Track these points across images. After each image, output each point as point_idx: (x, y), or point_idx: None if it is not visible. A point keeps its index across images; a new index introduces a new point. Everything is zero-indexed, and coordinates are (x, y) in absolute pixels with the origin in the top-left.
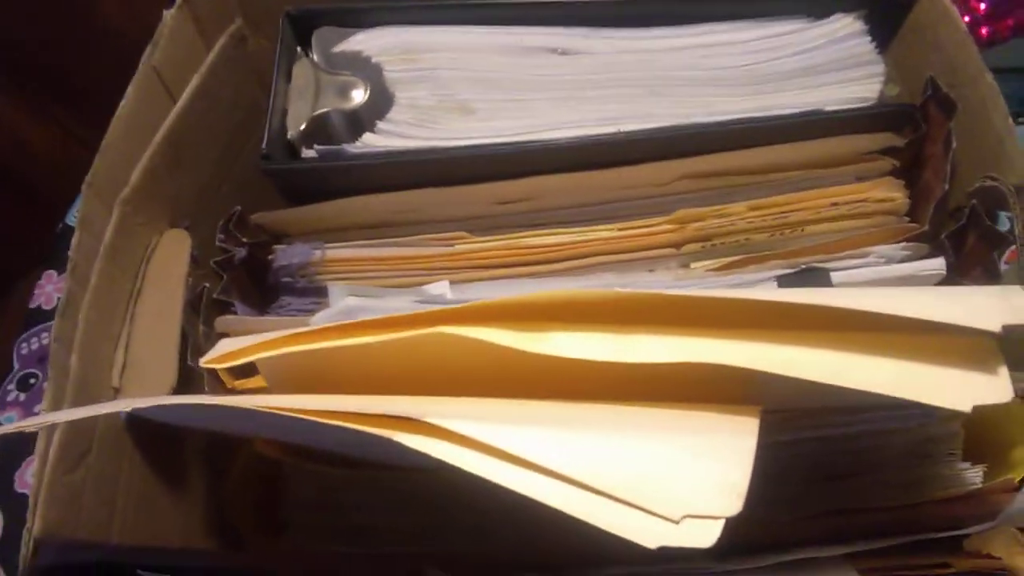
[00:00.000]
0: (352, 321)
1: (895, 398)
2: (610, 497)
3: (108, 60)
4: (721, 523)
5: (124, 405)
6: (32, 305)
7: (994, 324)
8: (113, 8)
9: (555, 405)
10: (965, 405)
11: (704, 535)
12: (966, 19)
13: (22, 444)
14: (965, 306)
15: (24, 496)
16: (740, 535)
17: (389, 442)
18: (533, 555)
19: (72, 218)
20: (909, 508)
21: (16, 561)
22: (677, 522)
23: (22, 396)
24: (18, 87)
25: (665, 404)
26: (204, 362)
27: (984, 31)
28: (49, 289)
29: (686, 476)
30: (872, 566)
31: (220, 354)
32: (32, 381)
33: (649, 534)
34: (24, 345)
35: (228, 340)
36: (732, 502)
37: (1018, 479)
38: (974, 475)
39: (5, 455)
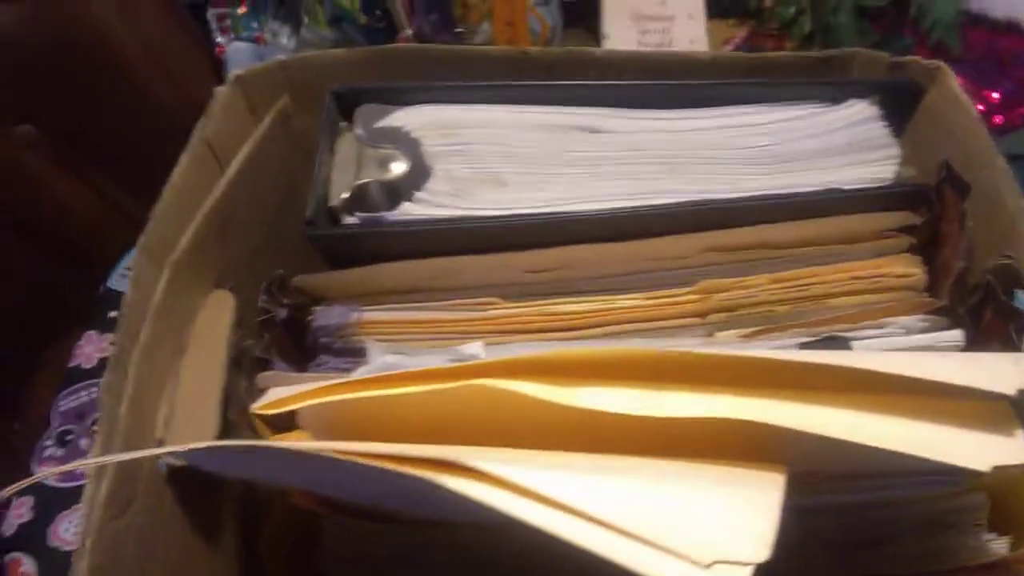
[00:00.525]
0: (395, 372)
1: (919, 463)
2: (642, 540)
3: (147, 129)
4: (750, 570)
5: (181, 448)
6: (72, 364)
7: (1010, 388)
8: (156, 82)
9: (589, 456)
10: (984, 465)
11: None
12: (980, 108)
13: (57, 499)
14: (983, 370)
15: (56, 549)
16: None
17: (431, 485)
18: None
19: (114, 282)
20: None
21: None
22: (708, 566)
23: (59, 452)
24: (59, 153)
25: (694, 460)
26: (257, 408)
27: (998, 119)
28: (88, 349)
29: (716, 522)
30: None
31: (271, 400)
32: (69, 437)
33: None
34: (63, 402)
35: (278, 388)
36: (761, 549)
37: None
38: (999, 546)
39: (42, 508)
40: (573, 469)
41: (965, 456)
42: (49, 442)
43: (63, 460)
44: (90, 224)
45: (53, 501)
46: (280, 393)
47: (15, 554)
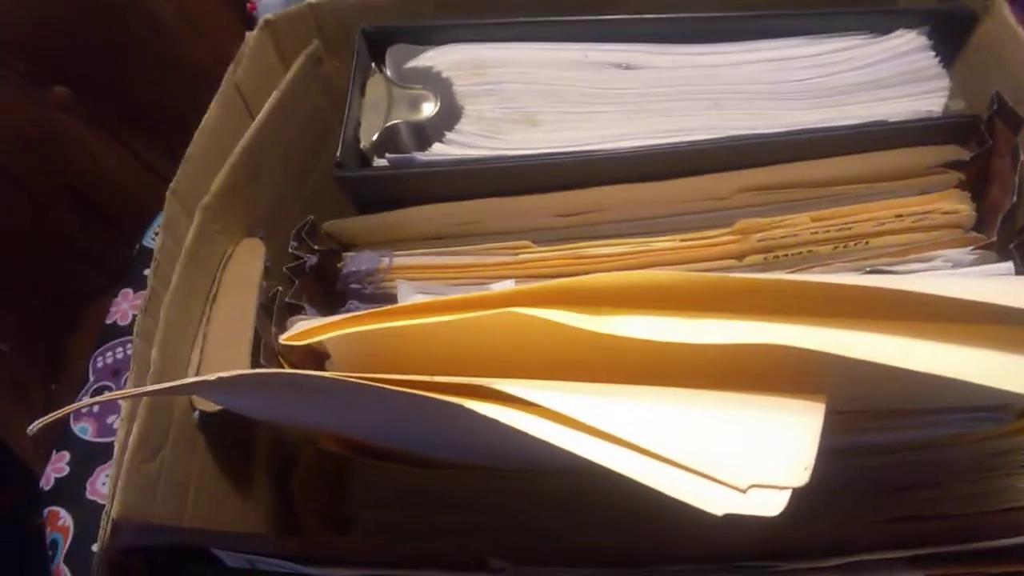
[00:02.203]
0: (422, 301)
1: (967, 394)
2: (677, 465)
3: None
4: (788, 493)
5: (210, 376)
6: (108, 321)
7: None
8: (187, 39)
9: (623, 386)
10: None
11: (770, 504)
12: None
13: (96, 454)
14: None
15: (94, 503)
16: (805, 538)
17: (459, 410)
18: (598, 550)
19: (149, 240)
20: (978, 516)
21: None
22: (744, 491)
23: (96, 408)
24: (94, 115)
25: (732, 389)
26: (283, 339)
27: None
28: (125, 307)
29: (753, 447)
30: (942, 572)
31: (297, 331)
32: (106, 393)
33: (715, 502)
34: (100, 359)
35: (304, 320)
36: (799, 473)
37: None
38: None
39: (79, 462)
40: (605, 395)
41: (1008, 380)
42: (86, 398)
43: (100, 416)
44: (125, 185)
45: (90, 456)
46: (306, 325)
47: (53, 507)
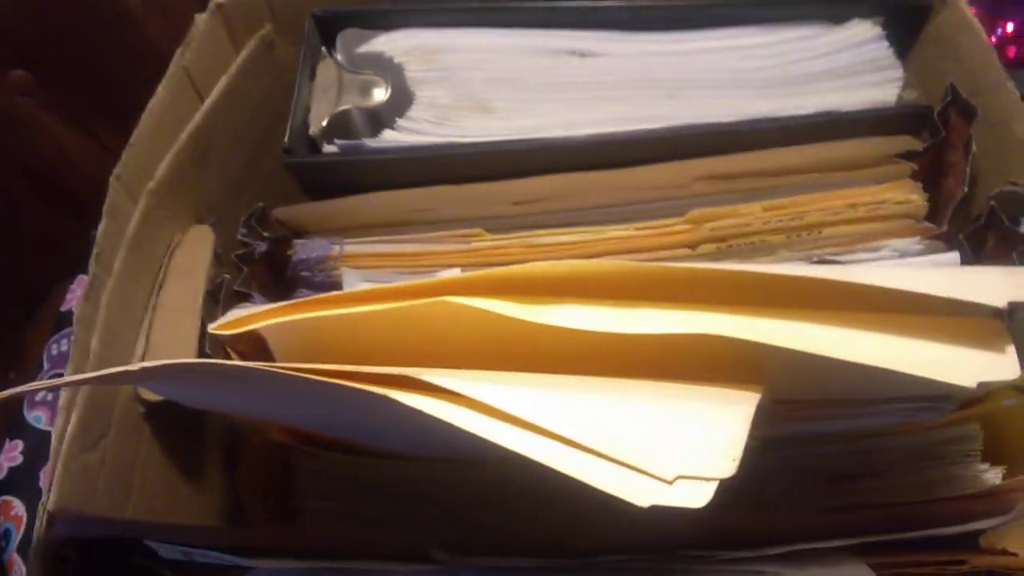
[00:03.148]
0: (357, 290)
1: (905, 383)
2: (602, 456)
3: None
4: (714, 485)
5: (140, 366)
6: (64, 308)
7: (999, 300)
8: (151, 23)
9: (553, 376)
10: (970, 381)
11: (697, 496)
12: (993, 39)
13: (47, 443)
14: (971, 283)
15: None
16: (746, 527)
17: (384, 400)
18: (538, 541)
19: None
20: (921, 504)
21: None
22: (670, 482)
23: (50, 396)
24: (57, 100)
25: (669, 379)
26: (213, 328)
27: (1011, 51)
28: (80, 293)
29: (680, 438)
30: (886, 561)
31: (229, 320)
32: (55, 379)
33: (641, 493)
34: (55, 346)
35: (238, 308)
36: (726, 464)
37: None
38: (993, 476)
39: (32, 451)
40: (533, 385)
41: (950, 372)
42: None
43: (53, 405)
44: (87, 170)
45: (44, 444)
46: (239, 312)
47: (6, 497)
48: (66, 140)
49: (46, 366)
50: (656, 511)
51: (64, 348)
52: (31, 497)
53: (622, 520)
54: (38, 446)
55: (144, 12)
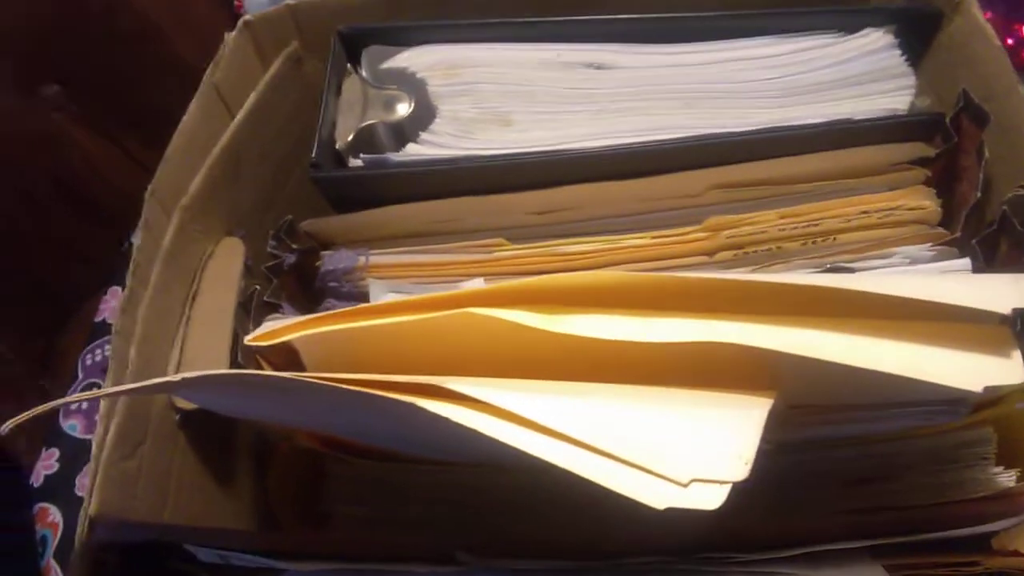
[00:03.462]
0: (385, 302)
1: (915, 388)
2: (619, 460)
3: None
4: (728, 488)
5: (181, 376)
6: (98, 319)
7: (1004, 307)
8: (179, 38)
9: (573, 384)
10: (977, 386)
11: (711, 498)
12: (1009, 42)
13: (85, 451)
14: (977, 290)
15: (82, 499)
16: (762, 529)
17: (412, 408)
18: (561, 543)
19: (136, 238)
20: (936, 507)
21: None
22: (685, 485)
23: (85, 405)
24: (90, 113)
25: (685, 386)
26: (248, 339)
27: None
28: (114, 304)
29: (695, 442)
30: (900, 563)
31: (263, 332)
32: (102, 388)
33: (657, 496)
34: (89, 356)
35: (270, 321)
36: (739, 468)
37: None
38: (1007, 479)
39: (68, 459)
40: (553, 393)
41: (959, 376)
42: (78, 395)
43: (88, 413)
44: (118, 183)
45: (79, 452)
46: (272, 325)
47: (43, 504)
48: (96, 152)
49: (80, 375)
50: (672, 513)
51: (99, 358)
52: (67, 504)
53: (642, 523)
54: (74, 454)
55: (172, 28)
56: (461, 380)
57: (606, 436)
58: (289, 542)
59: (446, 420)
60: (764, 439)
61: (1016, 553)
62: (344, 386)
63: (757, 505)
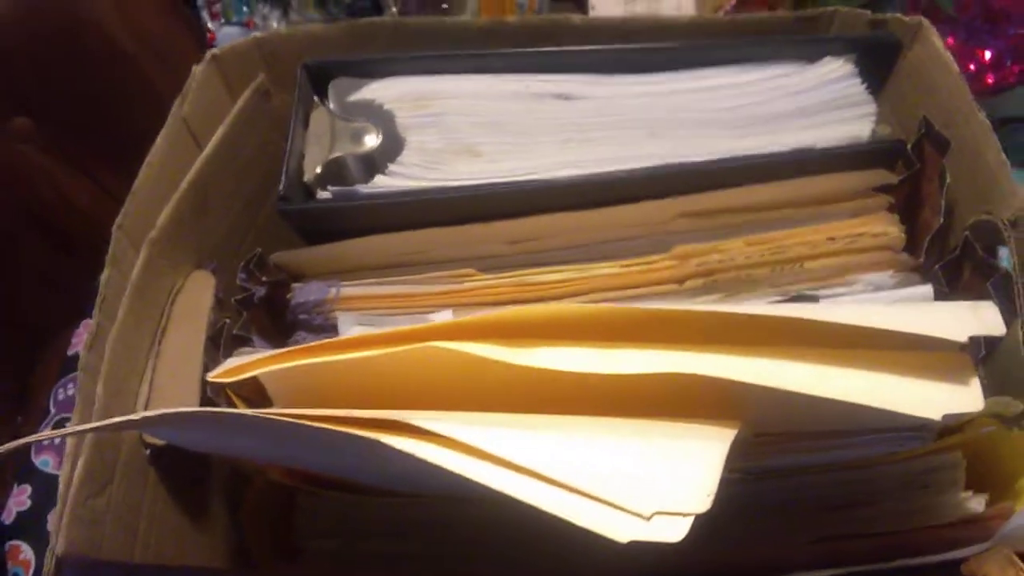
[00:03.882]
0: (349, 336)
1: (877, 416)
2: (581, 494)
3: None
4: (690, 520)
5: (141, 415)
6: (70, 352)
7: (961, 335)
8: (151, 69)
9: (537, 416)
10: (936, 414)
11: (673, 531)
12: (971, 67)
13: (55, 487)
14: (935, 318)
15: None
16: (731, 559)
17: (376, 444)
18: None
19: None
20: (906, 533)
21: None
22: (647, 518)
23: (58, 440)
24: (57, 145)
25: (650, 417)
26: (211, 377)
27: (990, 79)
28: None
29: (657, 475)
30: None
31: (226, 369)
32: (68, 425)
33: (620, 529)
34: (61, 391)
35: (234, 358)
36: (701, 500)
37: (1017, 507)
38: (976, 504)
39: (41, 496)
40: (516, 426)
41: (918, 405)
42: (47, 431)
43: (61, 449)
44: (90, 214)
45: (52, 489)
46: (235, 361)
47: (15, 541)
48: (66, 183)
49: (52, 410)
50: (637, 546)
51: (71, 392)
52: (39, 542)
53: (608, 556)
54: (46, 490)
55: (142, 57)
56: (424, 415)
57: (568, 470)
58: None
59: (410, 455)
60: (729, 468)
61: None
62: (306, 422)
63: (726, 535)
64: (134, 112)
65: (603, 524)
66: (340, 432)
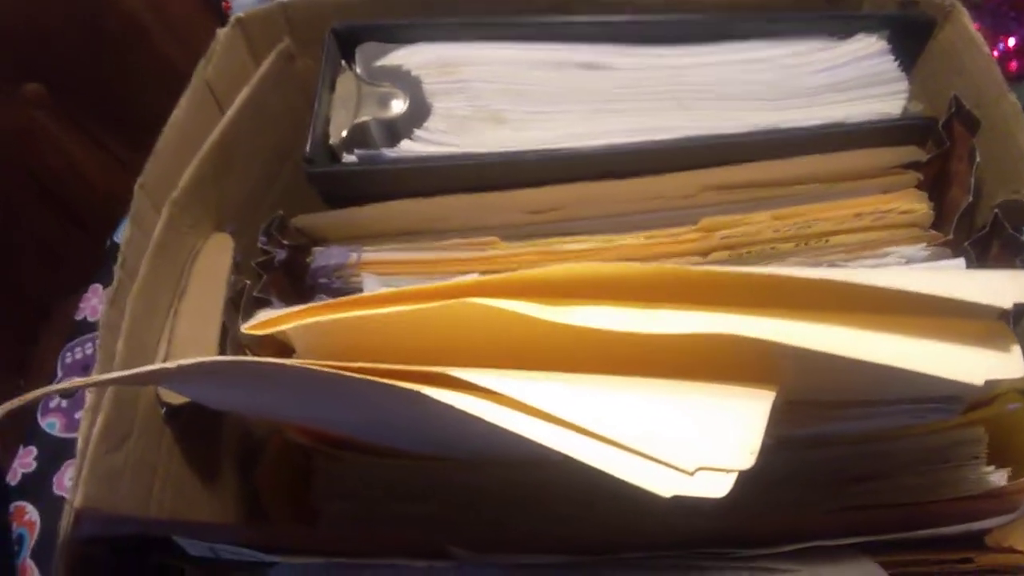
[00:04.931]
0: (383, 292)
1: (913, 382)
2: (627, 449)
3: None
4: (734, 476)
5: (176, 364)
6: (78, 317)
7: (1005, 301)
8: (164, 40)
9: (576, 375)
10: (978, 379)
11: (717, 486)
12: (995, 54)
13: (63, 449)
14: (976, 285)
15: (61, 499)
16: (759, 526)
17: (417, 396)
18: (555, 538)
19: (119, 236)
20: (927, 505)
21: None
22: (691, 473)
23: (64, 403)
24: (71, 114)
25: (688, 378)
26: (246, 328)
27: (1013, 65)
28: (95, 302)
29: (701, 431)
30: (894, 559)
31: (259, 321)
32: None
33: (664, 484)
34: (69, 354)
35: (266, 311)
36: (745, 457)
37: None
38: (998, 478)
39: (46, 458)
40: (558, 383)
41: (957, 370)
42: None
43: (67, 411)
44: (98, 182)
45: (57, 451)
46: (267, 315)
47: (20, 503)
48: (76, 152)
49: (60, 374)
50: (671, 506)
51: (79, 356)
52: (45, 503)
53: (642, 518)
54: (52, 453)
55: (157, 29)
56: (465, 369)
57: (611, 424)
58: (280, 536)
59: (449, 408)
60: (766, 433)
61: (1010, 549)
62: (349, 374)
63: (753, 502)
64: (146, 83)
65: (648, 478)
66: (380, 383)
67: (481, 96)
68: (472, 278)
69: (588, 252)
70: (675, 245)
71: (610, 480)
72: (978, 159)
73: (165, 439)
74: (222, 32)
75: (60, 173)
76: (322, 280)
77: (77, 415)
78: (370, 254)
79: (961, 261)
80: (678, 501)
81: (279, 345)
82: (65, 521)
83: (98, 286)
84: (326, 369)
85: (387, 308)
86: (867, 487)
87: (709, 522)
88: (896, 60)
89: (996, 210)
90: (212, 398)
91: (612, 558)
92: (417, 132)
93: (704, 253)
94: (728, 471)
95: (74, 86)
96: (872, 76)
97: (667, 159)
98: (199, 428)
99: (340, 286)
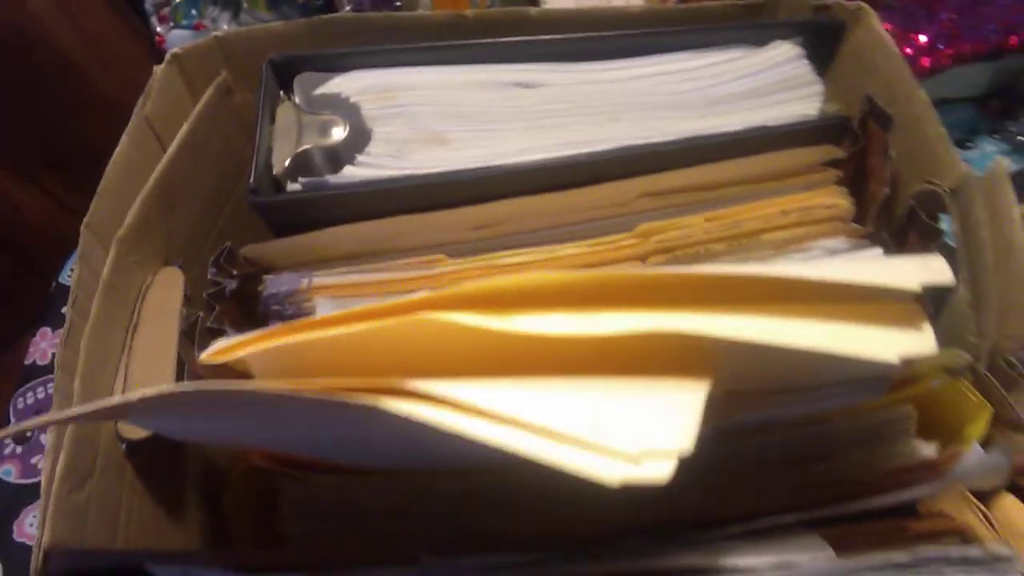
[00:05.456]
0: (336, 313)
1: (839, 365)
2: (575, 442)
3: (93, 126)
4: (675, 460)
5: (133, 396)
6: (28, 361)
7: (914, 283)
8: (100, 78)
9: (523, 378)
10: (894, 357)
11: (660, 471)
12: (908, 51)
13: (20, 496)
14: (888, 270)
15: (22, 545)
16: (708, 508)
17: (374, 410)
18: (519, 537)
19: (65, 277)
20: (866, 478)
21: None
22: (636, 459)
23: (19, 449)
24: (13, 157)
25: (630, 375)
26: (204, 356)
27: (925, 61)
28: (44, 346)
29: (642, 421)
30: (836, 532)
31: (217, 349)
32: (28, 434)
33: (610, 473)
34: (20, 399)
35: (222, 339)
36: (684, 440)
37: (966, 451)
38: (928, 450)
39: (3, 505)
40: (508, 386)
41: (877, 350)
42: (7, 440)
43: (22, 457)
44: (39, 224)
45: (15, 498)
46: (224, 343)
47: None
48: (15, 193)
49: (12, 419)
50: (628, 498)
51: (30, 401)
52: (6, 552)
53: (599, 513)
54: (9, 500)
55: (90, 66)
56: (418, 380)
57: (559, 420)
58: (252, 556)
59: (406, 420)
60: (703, 423)
61: (940, 514)
62: (305, 393)
63: (698, 489)
64: (84, 120)
65: (594, 469)
66: (337, 401)
67: (420, 119)
68: (424, 294)
69: (533, 263)
70: (615, 252)
71: (567, 479)
72: (892, 154)
73: (127, 474)
74: (159, 68)
75: (6, 217)
76: (275, 307)
77: (33, 460)
78: (321, 278)
79: (879, 250)
80: (629, 493)
81: (237, 374)
82: (34, 562)
83: (47, 329)
84: (283, 390)
85: (343, 328)
86: (808, 468)
87: (664, 511)
88: (811, 64)
89: (912, 201)
90: (174, 429)
91: (573, 552)
92: (359, 157)
93: (642, 257)
94: (670, 454)
95: (10, 127)
96: (789, 80)
97: (603, 169)
98: (161, 461)
99: (293, 312)
